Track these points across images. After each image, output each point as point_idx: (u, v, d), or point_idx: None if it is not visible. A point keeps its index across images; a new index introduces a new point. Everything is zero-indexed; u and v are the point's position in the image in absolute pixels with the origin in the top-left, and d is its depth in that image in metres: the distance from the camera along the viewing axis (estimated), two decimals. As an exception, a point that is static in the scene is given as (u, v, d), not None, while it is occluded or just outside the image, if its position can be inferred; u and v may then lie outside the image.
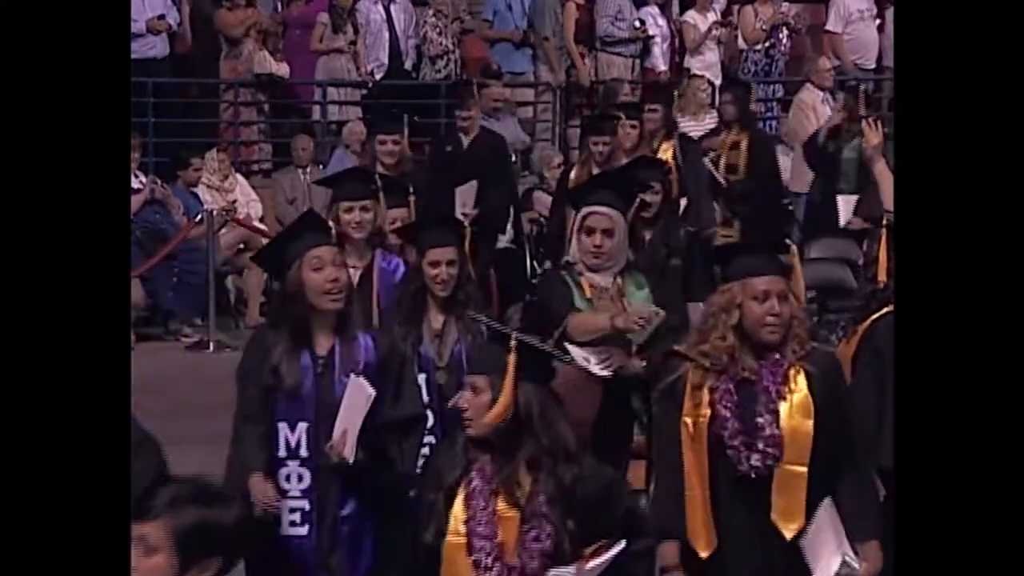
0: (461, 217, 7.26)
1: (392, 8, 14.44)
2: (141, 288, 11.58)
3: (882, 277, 5.95)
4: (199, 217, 12.12)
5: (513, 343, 4.63)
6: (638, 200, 7.03)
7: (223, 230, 12.39)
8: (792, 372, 4.99)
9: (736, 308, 5.00)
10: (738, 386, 5.01)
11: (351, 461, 5.66)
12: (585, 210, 6.53)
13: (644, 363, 6.60)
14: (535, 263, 11.89)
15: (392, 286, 6.82)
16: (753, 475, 4.98)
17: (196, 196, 12.57)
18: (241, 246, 12.59)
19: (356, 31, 14.32)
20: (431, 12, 14.43)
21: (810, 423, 4.95)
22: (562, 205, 9.90)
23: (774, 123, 14.67)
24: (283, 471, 5.81)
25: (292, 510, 5.80)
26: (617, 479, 5.08)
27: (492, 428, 4.64)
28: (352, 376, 5.75)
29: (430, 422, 6.32)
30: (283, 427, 5.79)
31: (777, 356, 5.01)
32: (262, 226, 12.80)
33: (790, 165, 13.08)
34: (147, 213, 12.04)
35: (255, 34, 14.10)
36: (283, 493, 5.78)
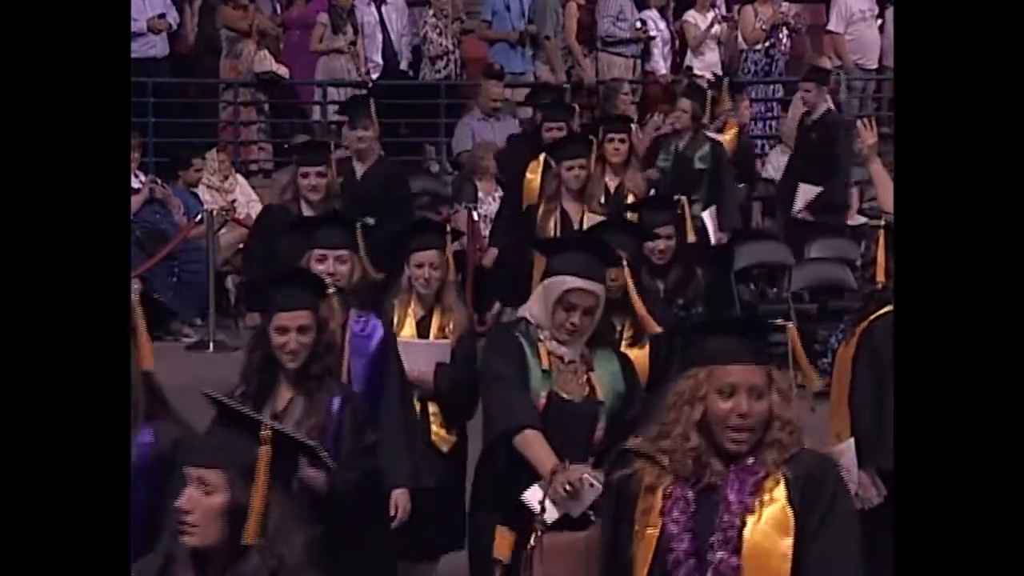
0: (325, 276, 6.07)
1: (384, 9, 14.45)
2: (141, 288, 11.57)
3: (880, 278, 5.94)
4: (199, 217, 12.11)
5: (266, 432, 3.69)
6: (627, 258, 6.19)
7: (223, 230, 12.39)
8: (769, 481, 3.94)
9: (700, 401, 3.97)
10: (700, 495, 3.98)
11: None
12: (570, 284, 5.36)
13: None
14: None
15: (369, 355, 6.13)
16: None
17: (196, 196, 12.57)
18: (241, 246, 12.57)
19: (356, 31, 14.32)
20: (431, 12, 14.43)
21: (787, 543, 3.90)
22: (516, 237, 9.03)
23: (774, 123, 14.66)
24: None
25: None
26: None
27: (220, 539, 3.69)
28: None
29: None
30: None
31: (751, 460, 3.96)
32: (262, 226, 12.80)
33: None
34: (147, 213, 12.04)
35: (255, 34, 14.11)
36: None
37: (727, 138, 11.99)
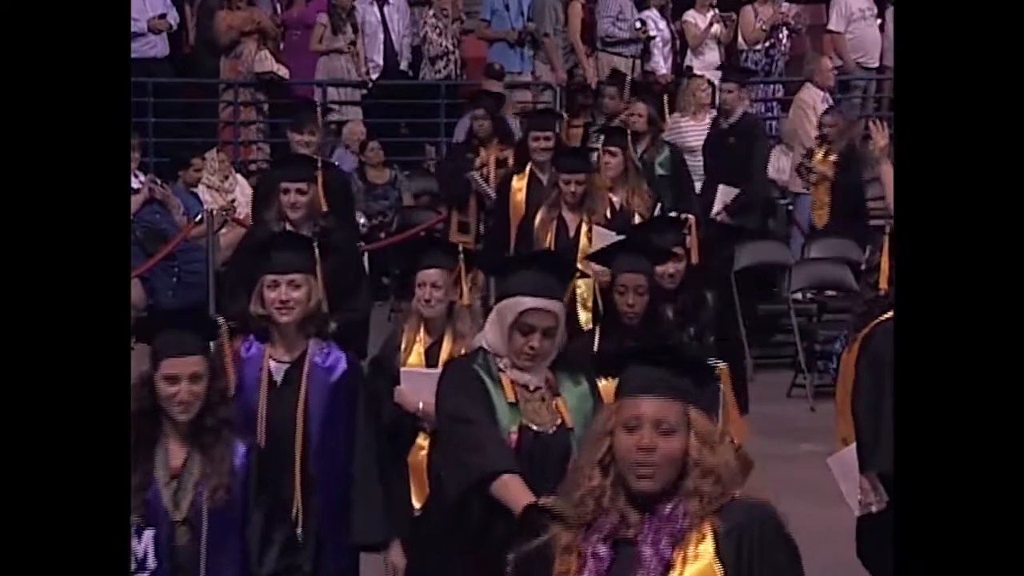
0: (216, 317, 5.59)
1: (386, 9, 14.46)
2: (141, 288, 11.57)
3: (883, 284, 5.92)
4: (199, 217, 12.11)
5: None
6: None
7: (223, 230, 12.38)
8: (692, 534, 3.51)
9: (606, 436, 3.56)
10: (616, 550, 3.55)
11: None
12: (526, 304, 4.95)
13: None
14: None
15: (330, 389, 5.60)
16: None
17: (196, 196, 12.57)
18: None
19: (356, 31, 14.33)
20: (431, 12, 14.43)
21: None
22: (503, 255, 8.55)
23: (774, 123, 14.67)
24: None
25: None
26: None
27: None
28: None
29: None
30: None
31: (669, 507, 3.52)
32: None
33: (789, 165, 13.10)
34: (147, 213, 12.03)
35: (256, 34, 14.11)
36: None
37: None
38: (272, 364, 5.57)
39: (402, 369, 6.23)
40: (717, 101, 12.64)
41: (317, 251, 5.86)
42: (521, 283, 4.99)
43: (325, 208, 7.89)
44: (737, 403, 6.47)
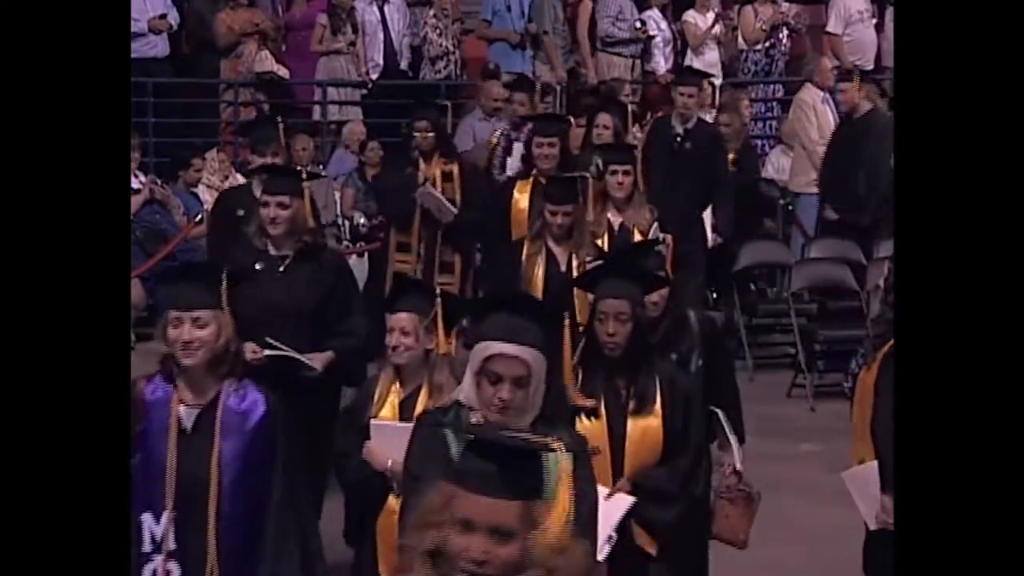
0: None
1: (386, 9, 14.46)
2: (141, 288, 11.57)
3: None
4: (199, 217, 12.11)
5: None
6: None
7: (223, 230, 12.38)
8: None
9: (436, 527, 3.19)
10: None
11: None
12: (493, 349, 4.34)
13: None
14: None
15: (246, 436, 5.04)
16: None
17: (196, 196, 12.58)
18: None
19: (356, 31, 14.33)
20: (431, 12, 14.43)
21: None
22: (503, 277, 8.15)
23: (774, 123, 14.67)
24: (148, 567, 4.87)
25: None
26: None
27: None
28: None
29: None
30: (147, 518, 4.86)
31: None
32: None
33: (789, 165, 13.11)
34: (147, 213, 12.04)
35: (256, 36, 14.11)
36: None
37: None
38: (181, 409, 5.00)
39: (372, 421, 5.72)
40: (717, 101, 12.64)
41: (225, 284, 5.08)
42: (490, 327, 4.44)
43: (312, 223, 7.25)
44: (734, 431, 6.23)
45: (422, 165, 9.72)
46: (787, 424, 10.13)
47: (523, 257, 7.91)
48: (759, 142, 14.28)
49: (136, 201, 11.76)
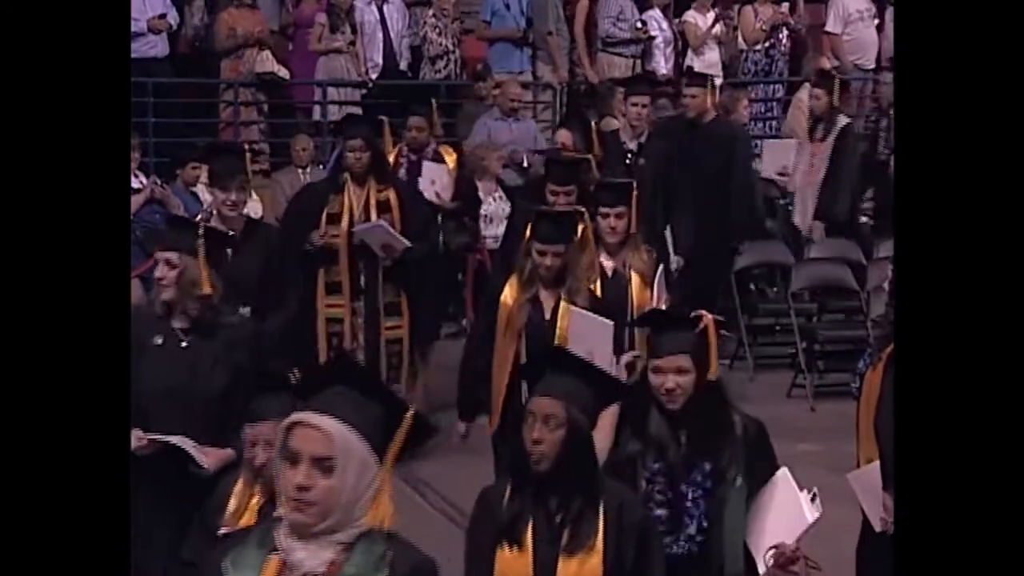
0: None
1: (386, 8, 14.46)
2: (141, 288, 11.57)
3: None
4: (199, 217, 12.10)
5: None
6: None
7: (223, 230, 12.37)
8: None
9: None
10: None
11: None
12: (293, 417, 3.40)
13: None
14: None
15: None
16: None
17: (196, 196, 12.57)
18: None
19: (354, 31, 14.33)
20: (431, 12, 14.44)
21: None
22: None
23: (774, 123, 14.67)
24: None
25: None
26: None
27: None
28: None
29: None
30: None
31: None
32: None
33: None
34: (147, 213, 12.03)
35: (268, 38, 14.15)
36: None
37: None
38: None
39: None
40: (717, 102, 12.60)
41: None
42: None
43: (207, 290, 6.05)
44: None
45: (351, 190, 8.67)
46: (787, 424, 10.11)
47: (511, 308, 6.97)
48: (759, 142, 14.28)
49: (136, 201, 11.76)
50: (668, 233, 9.91)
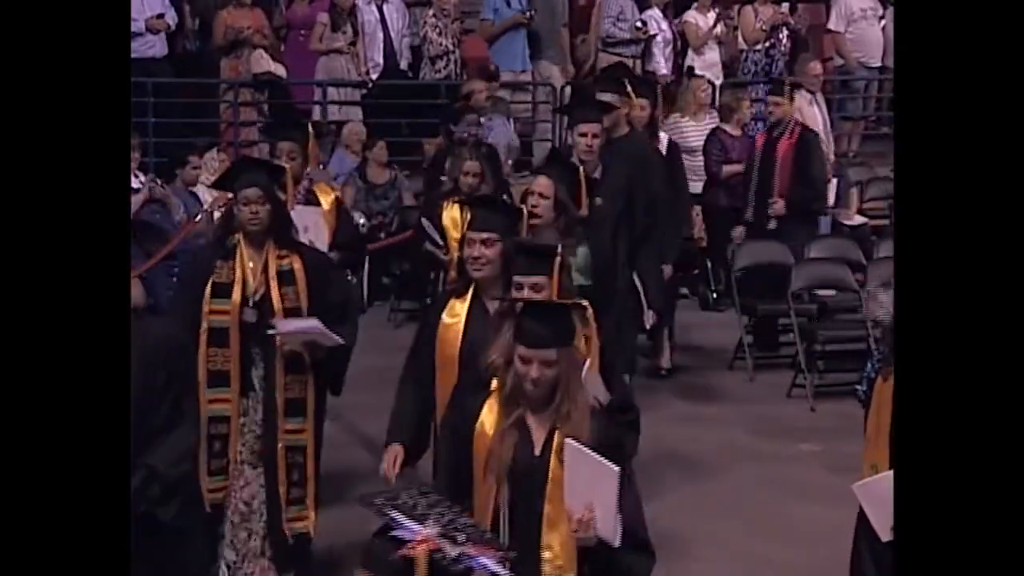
0: None
1: (386, 8, 14.47)
2: (141, 288, 11.56)
3: None
4: (199, 217, 12.11)
5: None
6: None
7: (223, 230, 12.35)
8: None
9: None
10: None
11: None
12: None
13: None
14: None
15: None
16: None
17: (195, 196, 12.58)
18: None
19: (356, 31, 14.34)
20: (431, 12, 14.44)
21: None
22: None
23: (773, 123, 14.65)
24: None
25: None
26: None
27: None
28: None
29: None
30: None
31: None
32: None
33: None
34: (147, 213, 12.04)
35: (258, 37, 14.13)
36: None
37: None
38: None
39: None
40: (717, 102, 12.61)
41: None
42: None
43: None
44: None
45: (244, 254, 6.64)
46: (787, 424, 10.13)
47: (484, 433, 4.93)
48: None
49: (136, 201, 11.77)
50: (637, 281, 8.77)
